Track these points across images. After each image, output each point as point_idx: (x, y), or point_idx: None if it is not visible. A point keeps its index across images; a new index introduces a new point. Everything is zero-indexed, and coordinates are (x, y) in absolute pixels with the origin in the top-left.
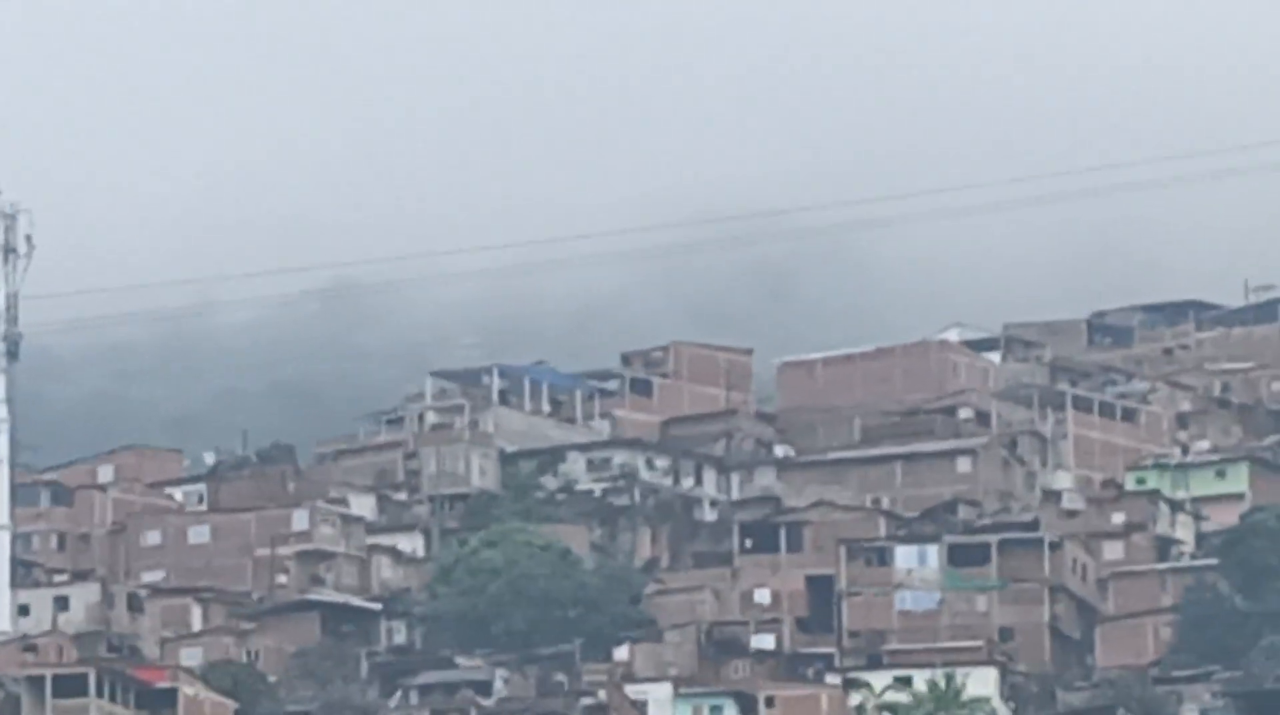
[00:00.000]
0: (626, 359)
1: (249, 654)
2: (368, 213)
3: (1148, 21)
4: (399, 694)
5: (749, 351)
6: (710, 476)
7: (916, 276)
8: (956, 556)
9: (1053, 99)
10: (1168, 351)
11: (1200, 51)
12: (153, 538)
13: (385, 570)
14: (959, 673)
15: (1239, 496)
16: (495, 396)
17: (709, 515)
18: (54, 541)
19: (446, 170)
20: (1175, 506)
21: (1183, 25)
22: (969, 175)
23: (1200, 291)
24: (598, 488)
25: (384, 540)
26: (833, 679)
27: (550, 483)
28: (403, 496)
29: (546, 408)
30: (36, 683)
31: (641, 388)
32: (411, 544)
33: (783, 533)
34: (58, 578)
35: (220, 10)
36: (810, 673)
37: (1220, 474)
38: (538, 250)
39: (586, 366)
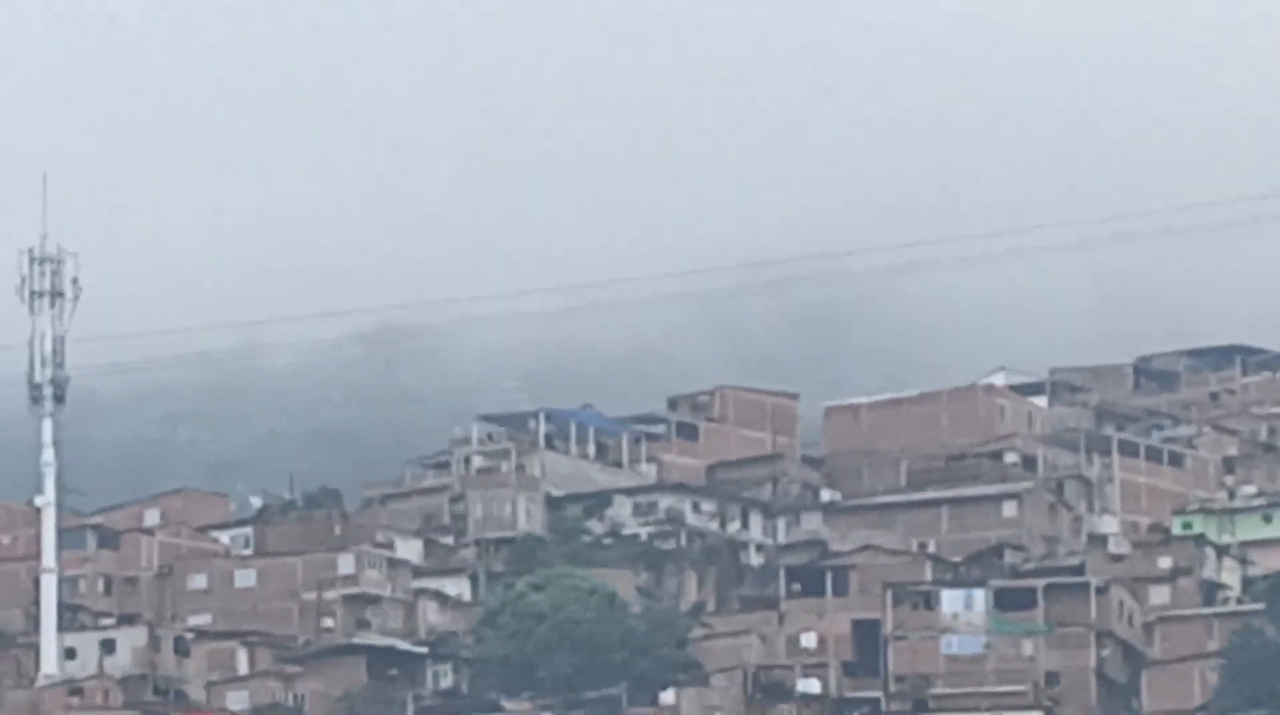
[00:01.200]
0: (673, 403)
1: (295, 698)
2: (412, 257)
3: (1193, 66)
4: None
5: (795, 396)
6: (756, 520)
7: (962, 320)
8: (1003, 601)
9: (1098, 143)
10: (1213, 396)
11: (1246, 95)
12: (199, 581)
13: (431, 614)
14: None
15: None
16: (541, 440)
17: (755, 559)
18: (100, 585)
19: (491, 214)
20: (1221, 551)
21: (1228, 70)
22: (1014, 219)
23: (1245, 336)
24: (644, 532)
25: (430, 584)
26: None
27: (596, 527)
28: (449, 540)
29: (592, 452)
30: None
31: (688, 432)
32: (458, 588)
33: (829, 577)
34: (104, 621)
35: (265, 56)
36: None
37: (1267, 518)
38: (583, 294)
39: (633, 411)
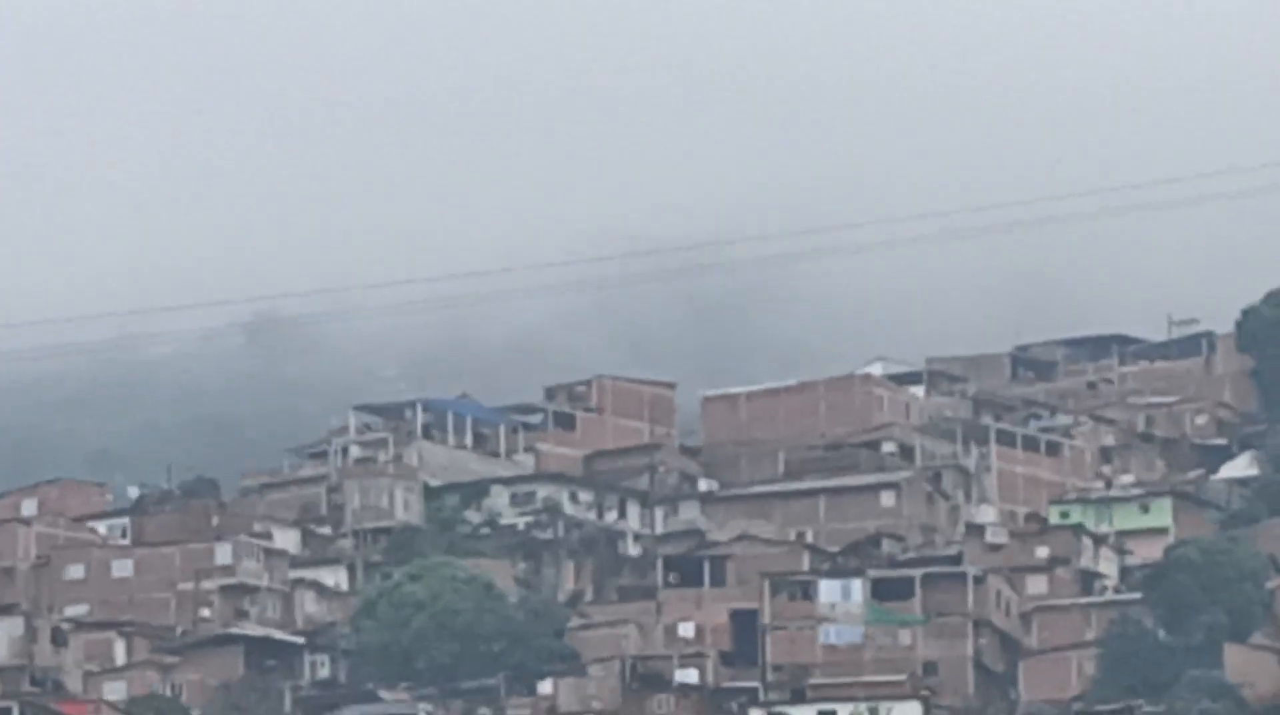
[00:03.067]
0: (550, 393)
1: (173, 688)
2: (292, 245)
3: (1069, 55)
4: None
5: (672, 385)
6: (634, 510)
7: (839, 310)
8: (880, 591)
9: (975, 133)
10: (1091, 385)
11: (1122, 86)
12: (76, 571)
13: (309, 604)
14: (883, 707)
15: (1163, 531)
16: (419, 430)
17: (633, 549)
18: None
19: (371, 203)
20: (1099, 541)
21: (1104, 58)
22: (891, 209)
23: (1123, 325)
24: (521, 522)
25: (308, 574)
26: (757, 713)
27: (474, 516)
28: (326, 530)
29: (470, 441)
30: None
31: (565, 422)
32: (335, 578)
33: (706, 567)
34: None
35: (137, 42)
36: (734, 707)
37: (1144, 508)
38: (462, 284)
39: (510, 400)
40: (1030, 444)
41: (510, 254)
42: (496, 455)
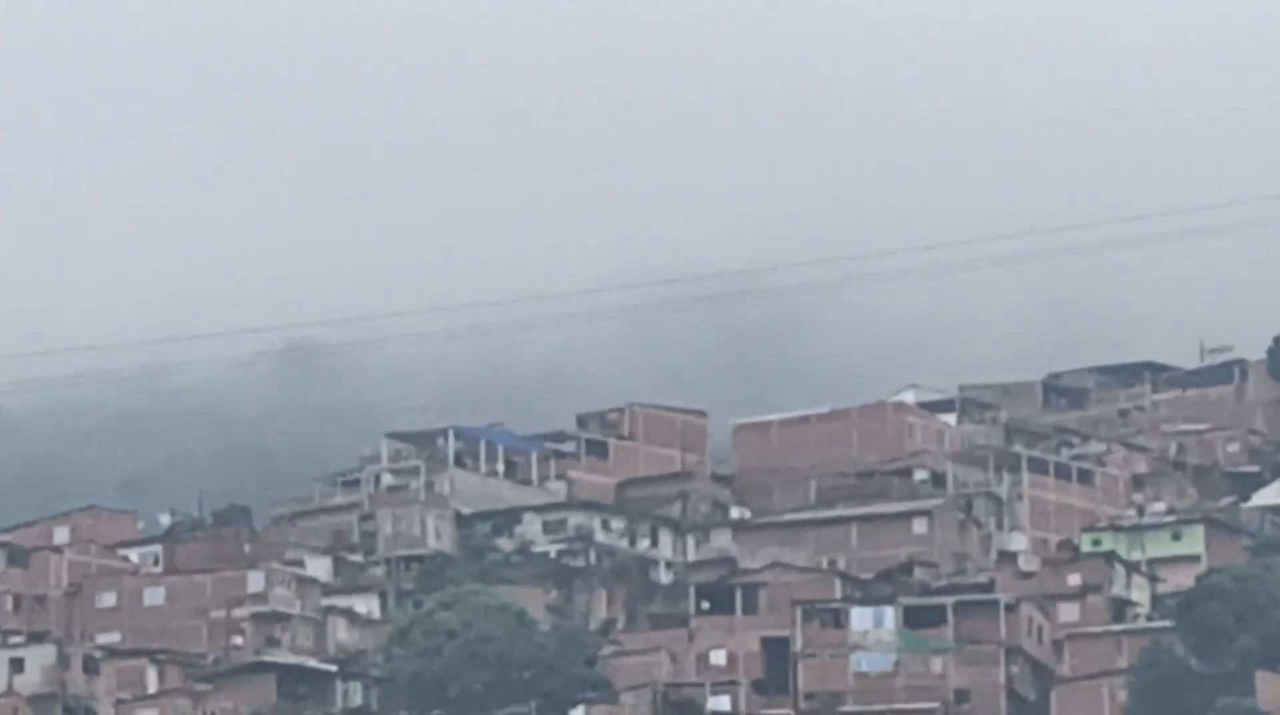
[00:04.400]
0: (582, 421)
1: None
2: (323, 274)
3: (1102, 82)
4: None
5: (704, 413)
6: (666, 538)
7: (872, 338)
8: (912, 618)
9: (1009, 161)
10: (1123, 413)
11: (1155, 113)
12: (108, 599)
13: (341, 632)
14: None
15: (1194, 558)
16: (451, 458)
17: (665, 577)
18: (9, 603)
19: (404, 230)
20: (1131, 568)
21: (1138, 85)
22: (924, 237)
23: (1156, 353)
24: (553, 549)
25: (340, 602)
26: None
27: (506, 544)
28: (358, 558)
29: (502, 469)
30: None
31: (597, 450)
32: (367, 605)
33: (738, 594)
34: (13, 639)
35: (173, 64)
36: None
37: (1176, 536)
38: (494, 312)
39: (543, 428)
40: (1062, 472)
41: (543, 282)
42: (529, 483)
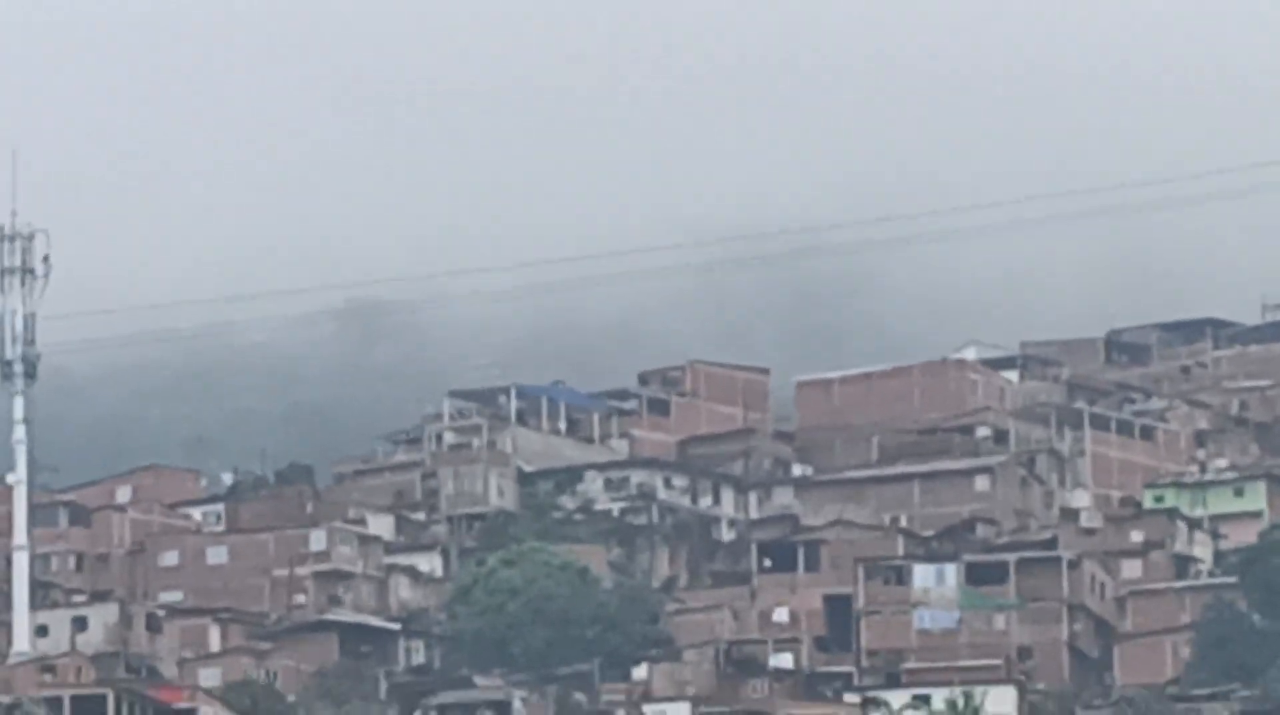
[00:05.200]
0: (644, 379)
1: (267, 674)
2: (384, 232)
3: (1164, 39)
4: (417, 714)
5: (766, 371)
6: (728, 496)
7: (933, 295)
8: (974, 575)
9: (1069, 117)
10: (1185, 369)
11: (1218, 68)
12: (171, 558)
13: (403, 590)
14: (977, 691)
15: (1257, 514)
16: (513, 416)
17: (727, 534)
18: (72, 562)
19: (466, 188)
20: (1193, 524)
21: (1200, 42)
22: (986, 193)
23: (1217, 309)
24: (616, 507)
25: (402, 560)
26: (851, 698)
27: (568, 502)
28: (421, 516)
29: (564, 427)
30: (55, 704)
31: (659, 407)
32: (430, 564)
33: (800, 552)
34: (76, 598)
35: (232, 31)
36: (829, 692)
37: (1238, 492)
38: (556, 270)
39: (605, 386)
40: (1124, 428)
41: (606, 240)
42: (590, 441)
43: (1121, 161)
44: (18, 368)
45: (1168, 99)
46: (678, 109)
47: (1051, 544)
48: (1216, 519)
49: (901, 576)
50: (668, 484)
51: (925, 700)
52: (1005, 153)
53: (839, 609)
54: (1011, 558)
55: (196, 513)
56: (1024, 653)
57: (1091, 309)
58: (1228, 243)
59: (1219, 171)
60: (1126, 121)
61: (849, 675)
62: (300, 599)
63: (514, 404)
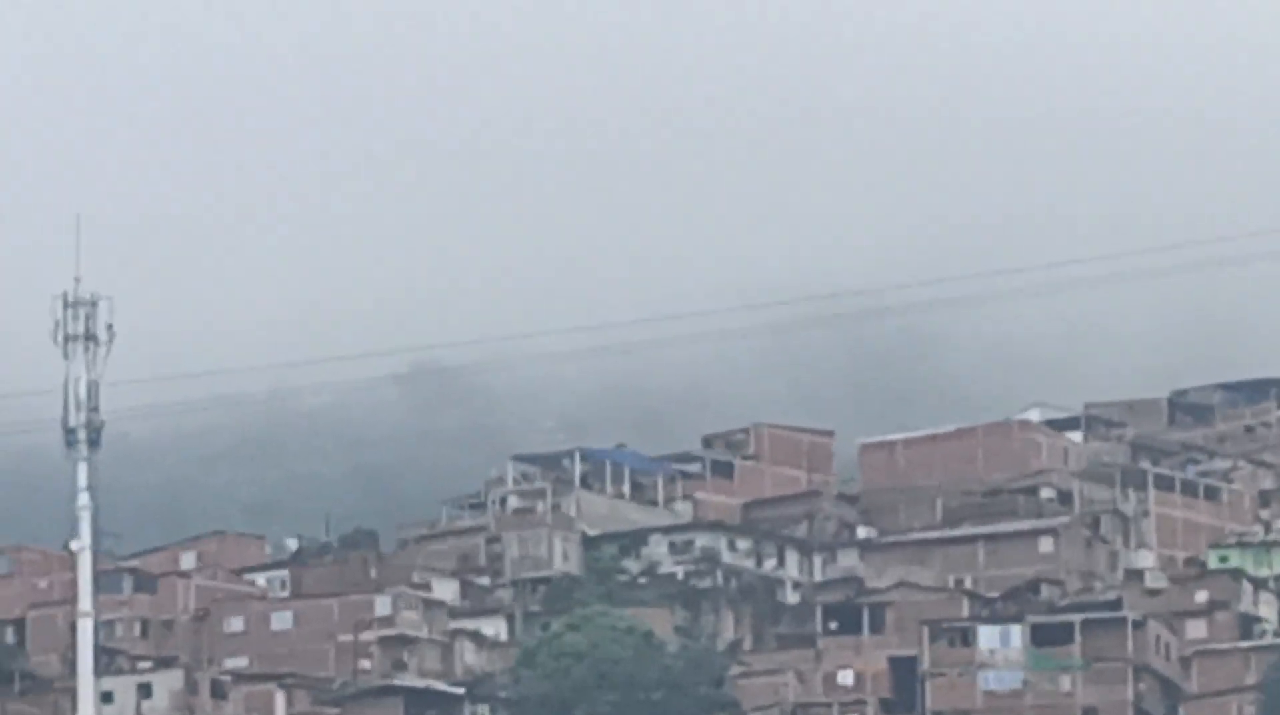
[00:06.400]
0: (708, 441)
1: None
2: (450, 295)
3: (1226, 96)
4: None
5: (830, 432)
6: (793, 558)
7: (998, 356)
8: (1040, 636)
9: (1132, 174)
10: (1249, 429)
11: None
12: (236, 624)
13: (468, 655)
14: None
15: None
16: (577, 480)
17: (791, 597)
18: (137, 628)
19: (530, 252)
20: (1258, 584)
21: (1264, 98)
22: (1049, 254)
23: None
24: (680, 570)
25: (467, 624)
26: None
27: (633, 566)
28: (485, 581)
29: (628, 490)
30: None
31: (723, 470)
32: (494, 628)
33: (865, 614)
34: (141, 665)
35: (296, 86)
36: None
37: None
38: (620, 333)
39: (669, 449)
40: (1189, 488)
41: (668, 302)
42: (655, 504)
43: (1185, 219)
44: (81, 435)
45: (1232, 156)
46: (744, 170)
47: (1116, 605)
48: None
49: (966, 638)
50: (732, 547)
51: None
52: (1069, 211)
53: (904, 671)
54: (1076, 618)
55: (261, 578)
56: (1089, 713)
57: (1155, 369)
58: None
59: None
60: (1190, 178)
61: None
62: (365, 664)
63: (578, 467)
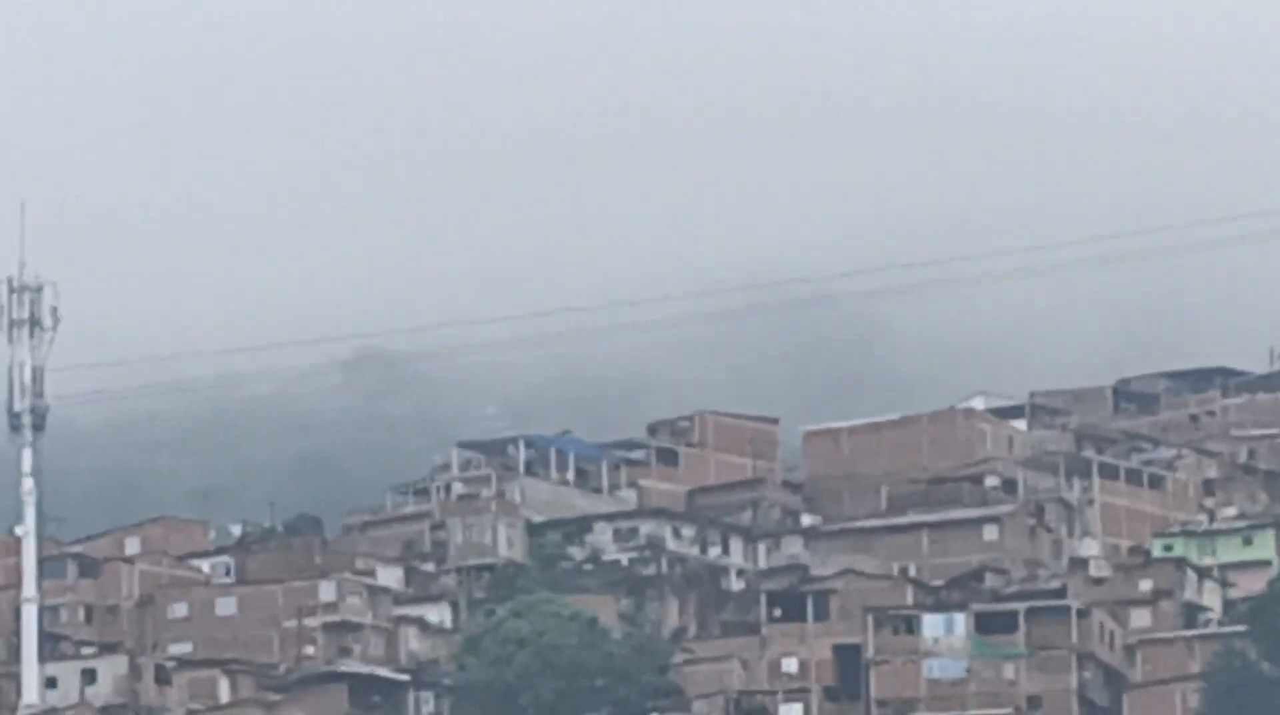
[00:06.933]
0: (653, 429)
1: None
2: (392, 283)
3: (1172, 87)
4: None
5: (775, 420)
6: (737, 546)
7: (942, 344)
8: (984, 624)
9: (1077, 165)
10: (1194, 418)
11: (1228, 115)
12: (180, 610)
13: (413, 641)
14: None
15: (1266, 563)
16: (521, 467)
17: (736, 584)
18: (81, 614)
19: (472, 239)
20: (1202, 573)
21: (1210, 89)
22: (994, 242)
23: (1225, 358)
24: (625, 557)
25: (411, 611)
26: None
27: (577, 553)
28: (430, 567)
29: (573, 477)
30: None
31: (668, 457)
32: (439, 615)
33: (810, 601)
34: (85, 650)
35: (240, 77)
36: None
37: (1247, 541)
38: (564, 320)
39: (614, 437)
40: (1133, 477)
41: (613, 290)
42: (599, 491)
43: (1129, 210)
44: (26, 420)
45: (1177, 147)
46: (686, 159)
47: (1060, 593)
48: (1225, 568)
49: (911, 626)
50: (676, 534)
51: None
52: (1013, 201)
53: (848, 659)
54: (1021, 607)
55: (205, 565)
56: (1033, 702)
57: (1100, 358)
58: (1236, 291)
59: (1227, 219)
60: (1135, 169)
61: None
62: (310, 650)
63: (523, 454)
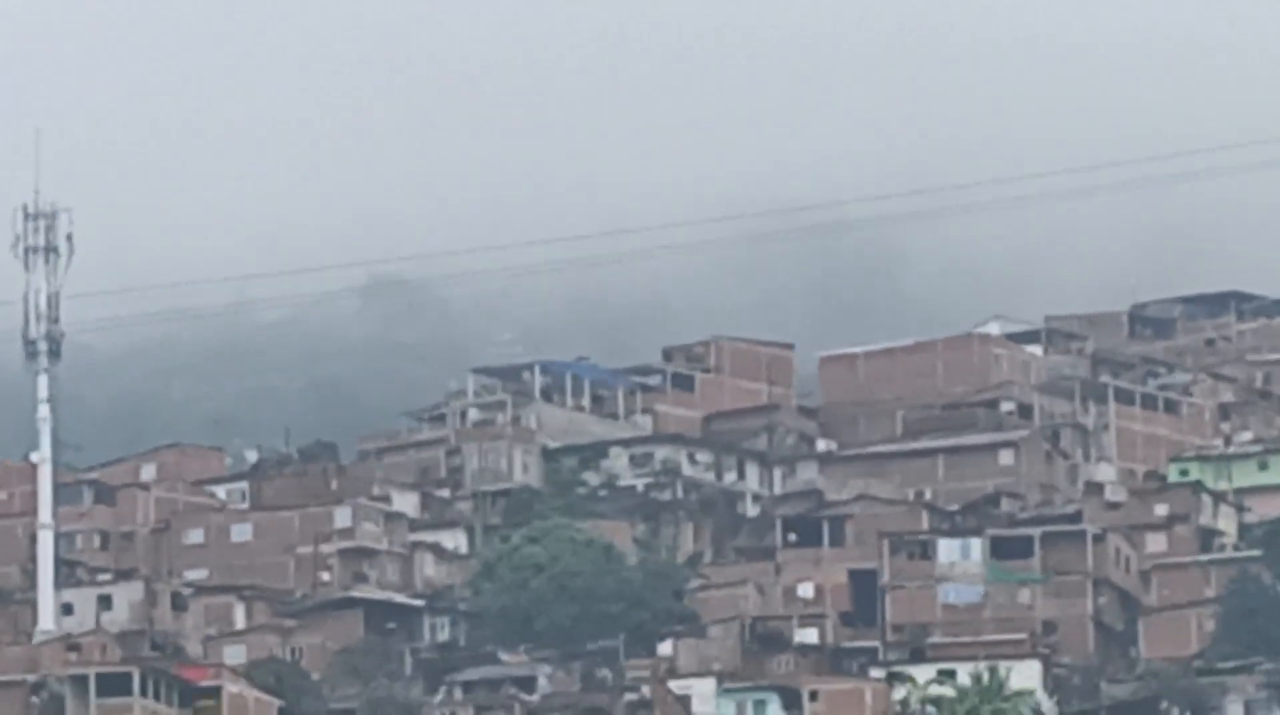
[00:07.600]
0: (668, 354)
1: (292, 652)
2: (408, 208)
3: (1189, 12)
4: (443, 691)
5: (790, 346)
6: (753, 471)
7: (958, 269)
8: (999, 549)
9: (1092, 90)
10: (1209, 343)
11: (1245, 39)
12: (195, 536)
13: (428, 567)
14: (1002, 666)
15: None
16: (537, 392)
17: (751, 510)
18: (97, 541)
19: (488, 164)
20: (1218, 498)
21: (1226, 14)
22: (1010, 168)
23: (1241, 282)
24: (640, 483)
25: (427, 537)
26: (876, 673)
27: (593, 478)
28: (445, 493)
29: (588, 403)
30: (80, 682)
31: (683, 383)
32: (454, 541)
33: (825, 527)
34: (101, 577)
35: (250, 8)
36: (854, 667)
37: (1263, 465)
38: (580, 246)
39: (629, 362)
40: (1149, 402)
41: (629, 216)
42: (615, 417)
43: (1145, 135)
44: (42, 347)
45: (1193, 72)
46: (704, 84)
47: (1076, 518)
48: (1241, 492)
49: (926, 551)
50: (692, 460)
51: (950, 675)
52: (1029, 127)
53: (864, 584)
54: (1036, 532)
55: (221, 491)
56: (1049, 627)
57: (1115, 282)
58: (1252, 216)
59: (1243, 144)
60: (1151, 94)
61: (874, 650)
62: (325, 576)
63: (538, 380)
